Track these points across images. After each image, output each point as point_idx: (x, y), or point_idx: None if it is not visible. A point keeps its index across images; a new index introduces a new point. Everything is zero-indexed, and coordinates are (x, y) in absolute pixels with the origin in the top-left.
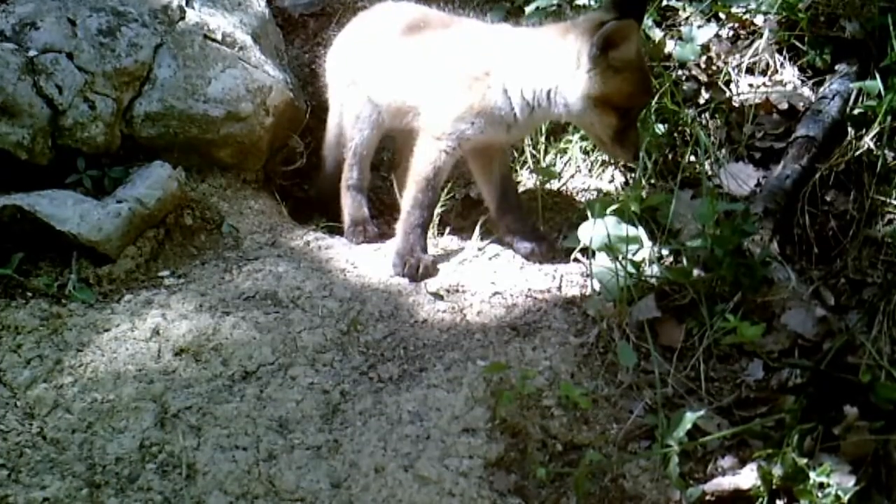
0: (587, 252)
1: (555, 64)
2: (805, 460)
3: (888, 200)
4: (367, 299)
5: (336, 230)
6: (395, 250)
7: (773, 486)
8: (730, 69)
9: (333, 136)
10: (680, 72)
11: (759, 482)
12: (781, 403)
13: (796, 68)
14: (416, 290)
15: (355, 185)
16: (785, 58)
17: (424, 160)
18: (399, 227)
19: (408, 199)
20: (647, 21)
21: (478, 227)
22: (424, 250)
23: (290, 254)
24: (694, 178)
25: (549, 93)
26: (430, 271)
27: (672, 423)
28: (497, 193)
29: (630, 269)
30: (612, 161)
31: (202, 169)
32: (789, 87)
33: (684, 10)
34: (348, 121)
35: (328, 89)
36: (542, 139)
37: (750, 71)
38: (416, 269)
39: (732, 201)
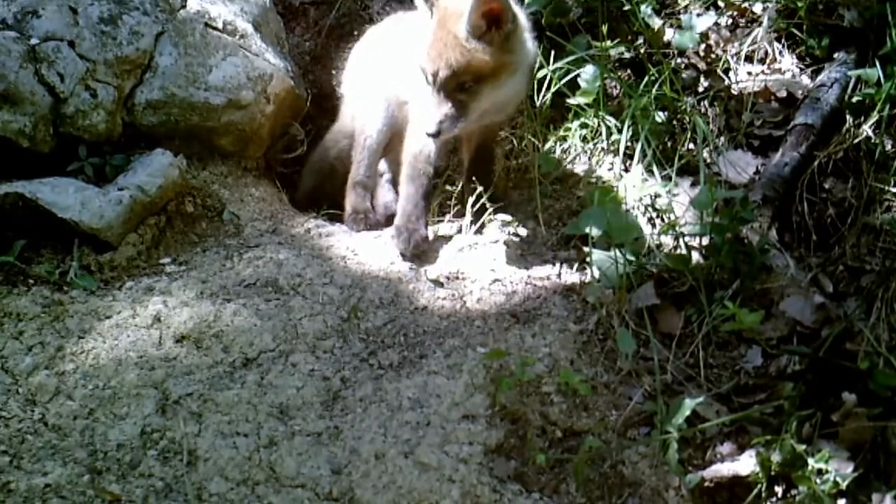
0: (587, 239)
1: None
2: (803, 447)
3: (886, 188)
4: (367, 286)
5: (337, 218)
6: (395, 224)
7: (772, 473)
8: (728, 57)
9: (333, 141)
10: (679, 60)
11: (757, 468)
12: (780, 390)
13: (795, 56)
14: (417, 277)
15: (362, 182)
16: (784, 46)
17: (414, 143)
18: (399, 204)
19: (403, 176)
20: (646, 9)
21: (469, 210)
22: (424, 226)
23: (291, 241)
24: (693, 166)
25: None
26: (425, 244)
27: (671, 410)
28: (470, 157)
29: (629, 256)
30: (613, 149)
31: (203, 156)
32: (788, 76)
33: None
34: (362, 118)
35: (342, 100)
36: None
37: (749, 59)
38: (409, 238)
39: (731, 189)
